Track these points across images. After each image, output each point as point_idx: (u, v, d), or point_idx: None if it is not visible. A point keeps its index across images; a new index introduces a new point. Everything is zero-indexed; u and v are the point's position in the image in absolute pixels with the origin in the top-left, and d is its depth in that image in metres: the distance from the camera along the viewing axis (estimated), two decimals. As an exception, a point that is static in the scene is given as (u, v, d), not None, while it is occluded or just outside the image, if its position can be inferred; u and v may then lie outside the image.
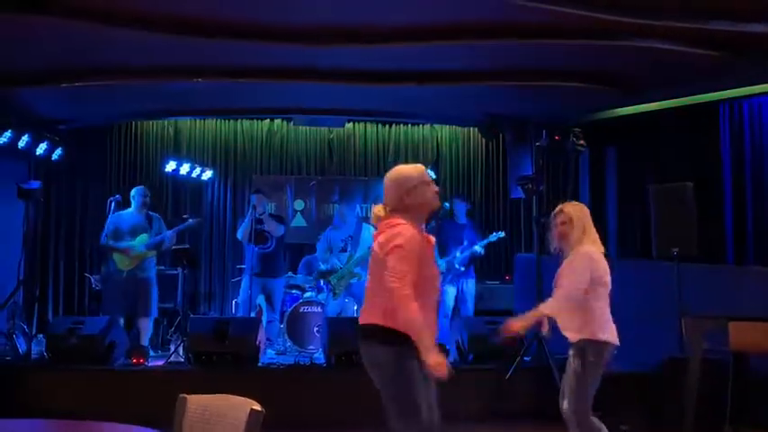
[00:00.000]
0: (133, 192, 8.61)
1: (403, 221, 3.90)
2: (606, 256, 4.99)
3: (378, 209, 4.02)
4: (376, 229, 4.03)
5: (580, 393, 4.66)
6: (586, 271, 4.79)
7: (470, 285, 9.42)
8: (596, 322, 4.79)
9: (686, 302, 7.12)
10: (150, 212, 8.63)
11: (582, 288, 4.76)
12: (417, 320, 3.67)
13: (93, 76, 8.20)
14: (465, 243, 9.14)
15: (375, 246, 3.93)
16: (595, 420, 4.68)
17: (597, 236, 5.02)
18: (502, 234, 9.25)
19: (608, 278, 4.94)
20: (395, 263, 3.73)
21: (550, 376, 6.81)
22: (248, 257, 8.82)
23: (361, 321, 3.91)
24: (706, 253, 7.90)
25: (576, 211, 5.00)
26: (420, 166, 4.31)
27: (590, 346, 4.72)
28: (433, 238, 4.11)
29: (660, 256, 7.71)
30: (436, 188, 4.21)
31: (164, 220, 8.74)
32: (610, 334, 4.80)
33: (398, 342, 3.69)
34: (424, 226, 4.12)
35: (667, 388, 6.77)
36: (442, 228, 9.15)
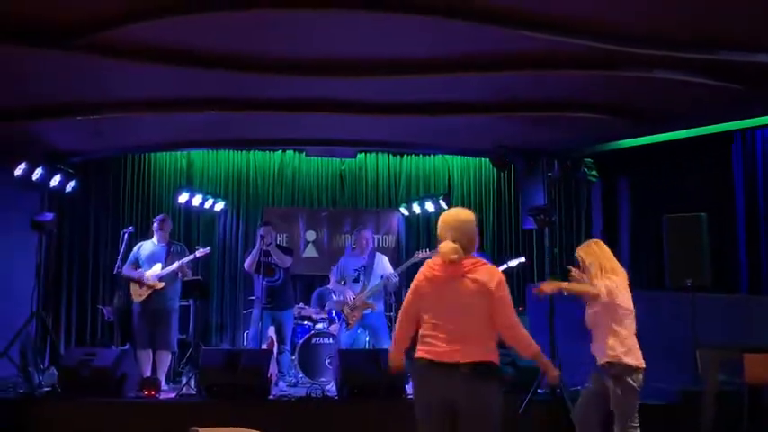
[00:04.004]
0: (153, 221, 8.70)
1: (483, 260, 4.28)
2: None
3: (453, 247, 4.19)
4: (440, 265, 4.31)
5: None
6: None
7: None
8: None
9: (700, 333, 7.07)
10: (174, 242, 8.69)
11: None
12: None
13: (106, 110, 8.26)
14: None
15: (470, 284, 4.15)
16: None
17: (616, 264, 5.36)
18: (522, 259, 9.14)
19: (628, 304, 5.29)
20: (509, 299, 4.15)
21: (564, 409, 6.75)
22: (257, 289, 8.81)
23: (469, 359, 4.01)
24: (720, 283, 7.88)
25: (586, 254, 5.39)
26: None
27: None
28: None
29: (674, 287, 7.68)
30: None
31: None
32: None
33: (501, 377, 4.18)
34: None
35: (682, 420, 6.70)
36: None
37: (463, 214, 4.40)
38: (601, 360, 5.17)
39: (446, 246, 4.21)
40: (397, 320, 4.52)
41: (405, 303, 4.46)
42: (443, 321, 4.14)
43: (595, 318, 5.21)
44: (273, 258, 8.79)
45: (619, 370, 5.07)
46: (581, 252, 5.41)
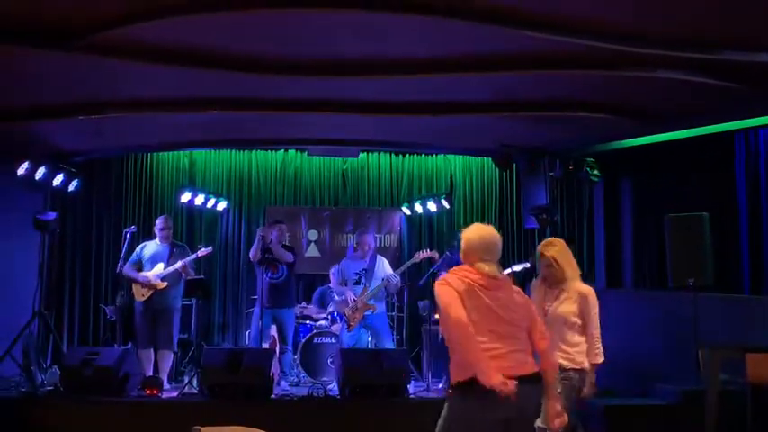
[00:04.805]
0: (155, 222, 8.72)
1: None
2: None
3: (495, 269, 4.20)
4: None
5: None
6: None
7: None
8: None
9: (703, 333, 7.07)
10: (176, 242, 8.69)
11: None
12: None
13: (109, 109, 8.27)
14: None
15: (516, 296, 4.21)
16: None
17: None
18: (527, 264, 9.10)
19: None
20: None
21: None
22: (259, 288, 8.81)
23: (529, 372, 4.02)
24: (722, 283, 7.87)
25: (557, 253, 5.30)
26: None
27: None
28: None
29: (676, 287, 7.67)
30: None
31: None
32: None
33: None
34: None
35: (685, 420, 6.70)
36: (452, 259, 9.04)
37: (497, 235, 4.34)
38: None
39: (490, 267, 4.16)
40: (463, 336, 3.95)
41: (459, 315, 3.96)
42: (502, 333, 4.03)
43: None
44: (275, 254, 8.79)
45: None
46: (552, 253, 5.27)
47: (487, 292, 4.06)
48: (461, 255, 4.31)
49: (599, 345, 5.10)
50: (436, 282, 4.20)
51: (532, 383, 3.97)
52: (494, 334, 3.99)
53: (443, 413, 4.14)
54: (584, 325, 5.14)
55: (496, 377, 3.80)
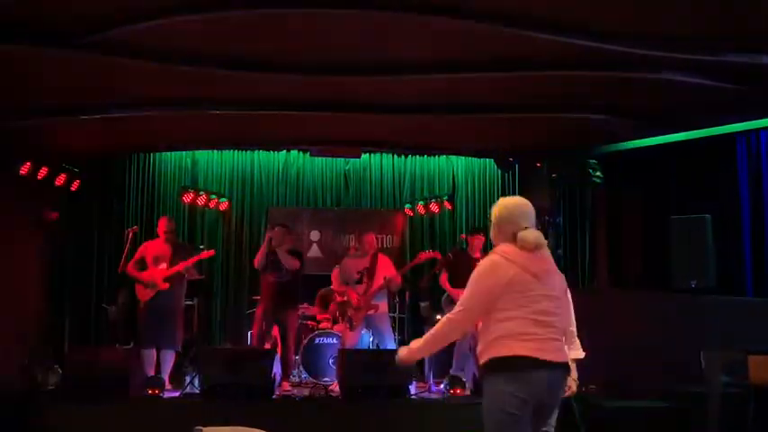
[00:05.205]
0: (158, 222, 8.72)
1: None
2: None
3: (539, 233, 3.92)
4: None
5: None
6: None
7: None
8: None
9: (705, 335, 7.05)
10: (179, 242, 8.68)
11: None
12: None
13: (111, 109, 8.28)
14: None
15: (558, 279, 3.93)
16: None
17: None
18: None
19: None
20: None
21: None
22: (263, 287, 8.78)
23: (562, 359, 3.83)
24: (725, 285, 7.85)
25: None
26: None
27: None
28: None
29: (679, 288, 7.66)
30: None
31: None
32: None
33: None
34: None
35: (687, 422, 6.68)
36: (457, 260, 9.00)
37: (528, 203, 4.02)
38: None
39: (532, 233, 3.81)
40: (461, 311, 3.80)
41: (471, 295, 3.80)
42: (545, 317, 3.76)
43: None
44: (280, 259, 8.70)
45: None
46: None
47: (531, 270, 3.76)
48: (494, 232, 3.97)
49: (577, 341, 4.98)
50: (486, 257, 3.90)
51: (557, 369, 3.76)
52: (534, 315, 3.73)
53: (484, 401, 3.83)
54: None
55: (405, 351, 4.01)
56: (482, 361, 3.83)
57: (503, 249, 3.85)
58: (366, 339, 9.06)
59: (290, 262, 8.63)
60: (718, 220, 7.74)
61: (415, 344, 3.98)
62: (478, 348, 3.85)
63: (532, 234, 3.82)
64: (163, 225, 8.62)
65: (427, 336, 3.96)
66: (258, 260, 8.70)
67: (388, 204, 11.44)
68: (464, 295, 3.85)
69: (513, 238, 3.83)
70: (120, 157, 10.79)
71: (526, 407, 3.68)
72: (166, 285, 8.32)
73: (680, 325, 7.58)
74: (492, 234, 4.01)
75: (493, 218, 3.99)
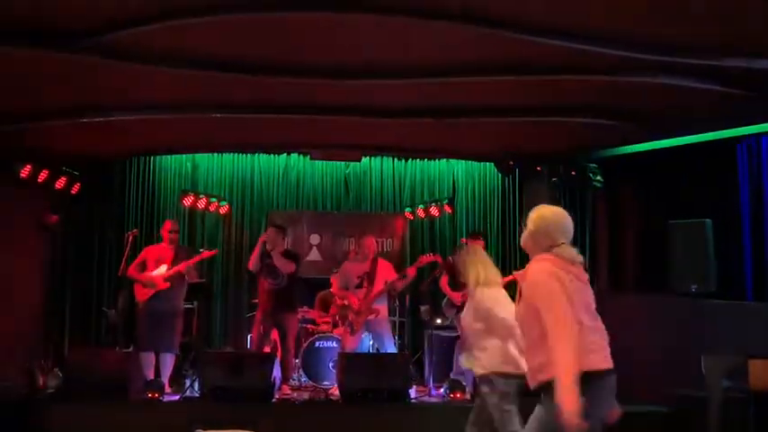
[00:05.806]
0: (163, 224, 8.78)
1: None
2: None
3: (577, 251, 3.85)
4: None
5: None
6: None
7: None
8: None
9: (705, 340, 7.05)
10: (181, 245, 8.69)
11: None
12: None
13: (112, 112, 8.29)
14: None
15: (591, 289, 3.83)
16: None
17: None
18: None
19: None
20: None
21: None
22: (261, 292, 8.77)
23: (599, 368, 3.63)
24: (725, 289, 7.85)
25: (459, 260, 5.50)
26: None
27: None
28: None
29: (679, 293, 7.66)
30: None
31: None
32: None
33: None
34: None
35: (687, 427, 6.68)
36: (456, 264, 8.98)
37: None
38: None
39: (568, 253, 3.72)
40: (568, 329, 3.52)
41: (565, 310, 3.55)
42: (600, 327, 3.71)
43: None
44: (275, 262, 8.65)
45: None
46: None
47: (582, 281, 3.71)
48: (529, 241, 3.88)
49: None
50: (540, 270, 3.71)
51: (614, 377, 3.66)
52: (593, 324, 3.68)
53: (538, 416, 3.67)
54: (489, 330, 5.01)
55: (576, 403, 3.35)
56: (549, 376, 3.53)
57: (552, 259, 3.73)
58: (366, 343, 9.06)
59: (285, 266, 8.59)
60: (718, 224, 7.74)
61: (565, 392, 3.40)
62: (537, 360, 3.65)
63: (568, 254, 3.73)
64: (168, 225, 8.65)
65: (561, 371, 3.45)
66: (252, 263, 8.66)
67: (389, 208, 11.43)
68: (552, 318, 3.56)
69: (549, 251, 3.75)
70: (120, 160, 10.79)
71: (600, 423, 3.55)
72: (167, 285, 8.33)
73: (680, 329, 7.58)
74: (526, 242, 3.92)
75: (530, 225, 3.88)
